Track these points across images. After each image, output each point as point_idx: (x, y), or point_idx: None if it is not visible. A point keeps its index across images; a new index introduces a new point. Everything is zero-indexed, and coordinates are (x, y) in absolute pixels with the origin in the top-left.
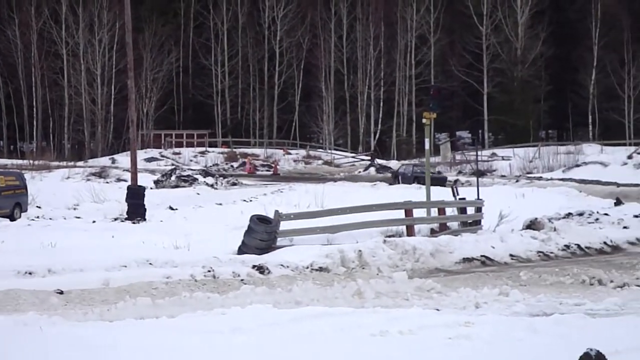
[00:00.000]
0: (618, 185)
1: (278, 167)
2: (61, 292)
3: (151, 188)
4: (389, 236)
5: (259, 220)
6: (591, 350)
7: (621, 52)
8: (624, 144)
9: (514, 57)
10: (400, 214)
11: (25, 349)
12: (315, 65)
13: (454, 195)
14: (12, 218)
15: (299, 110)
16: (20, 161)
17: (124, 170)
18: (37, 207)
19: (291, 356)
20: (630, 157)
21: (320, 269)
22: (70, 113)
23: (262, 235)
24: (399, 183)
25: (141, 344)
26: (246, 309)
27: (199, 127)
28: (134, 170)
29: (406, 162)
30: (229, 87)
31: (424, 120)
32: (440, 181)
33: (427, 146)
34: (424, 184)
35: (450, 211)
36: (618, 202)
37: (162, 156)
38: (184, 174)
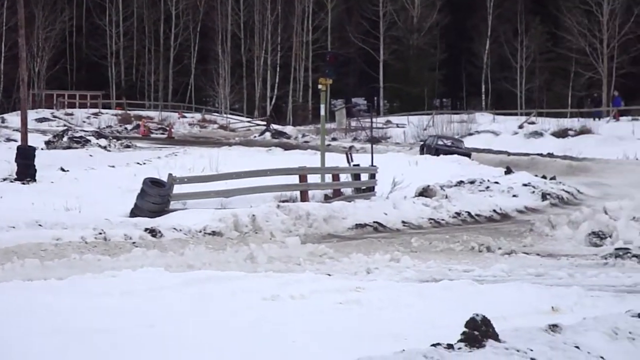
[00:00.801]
0: (509, 154)
1: (173, 130)
2: None
3: (42, 149)
4: (283, 201)
5: (152, 184)
6: (477, 315)
7: (514, 23)
8: (516, 114)
9: (410, 25)
10: (294, 179)
11: None
12: (211, 28)
13: (348, 161)
14: None
15: (194, 74)
16: None
17: (14, 130)
18: None
19: (180, 319)
20: (521, 126)
21: (214, 233)
22: None
23: (155, 198)
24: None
25: (28, 306)
26: (137, 272)
27: (92, 88)
28: (24, 130)
29: (432, 134)
30: (124, 48)
31: (319, 87)
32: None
33: (322, 112)
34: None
35: (344, 177)
36: (508, 171)
37: (54, 117)
38: (77, 135)
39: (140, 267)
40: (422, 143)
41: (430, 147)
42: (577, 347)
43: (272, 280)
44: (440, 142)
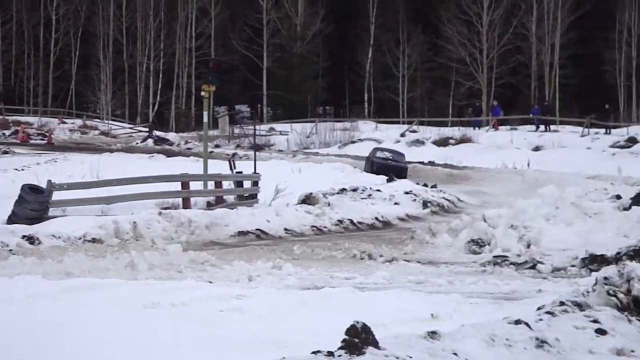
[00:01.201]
0: None
1: (53, 136)
2: None
3: None
4: (165, 208)
5: (30, 190)
6: (358, 322)
7: (397, 32)
8: (398, 122)
9: (293, 32)
10: (177, 186)
11: None
12: (93, 33)
13: (230, 168)
14: None
15: (75, 79)
16: None
17: None
18: None
19: (57, 328)
20: (403, 135)
21: (94, 240)
22: None
23: (33, 205)
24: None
25: None
26: (14, 280)
27: None
28: None
29: (378, 146)
30: (2, 52)
31: (202, 93)
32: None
33: (205, 119)
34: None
35: (226, 184)
36: (390, 179)
37: None
38: None
39: (17, 275)
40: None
41: (368, 160)
42: (455, 353)
43: (153, 288)
44: (378, 155)
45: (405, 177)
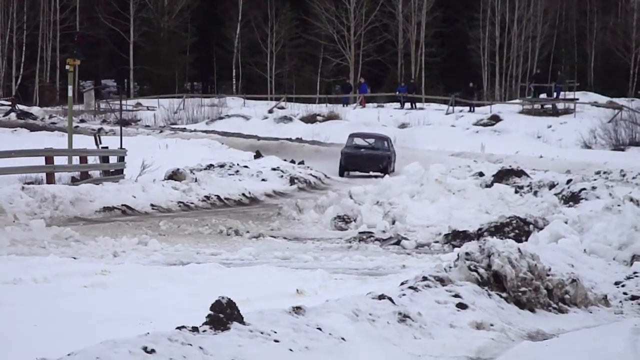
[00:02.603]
0: (259, 138)
1: None
2: None
3: None
4: (28, 183)
5: None
6: (223, 298)
7: (265, 8)
8: (266, 99)
9: (160, 7)
10: (40, 161)
11: None
12: None
13: (96, 143)
14: None
15: None
16: None
17: None
18: None
19: None
20: (270, 111)
21: None
22: None
23: None
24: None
25: None
26: None
27: None
28: None
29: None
30: None
31: (67, 67)
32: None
33: (70, 93)
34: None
35: (92, 160)
36: (258, 155)
37: None
38: None
39: None
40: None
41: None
42: (319, 328)
43: (15, 264)
44: (351, 144)
45: (385, 171)
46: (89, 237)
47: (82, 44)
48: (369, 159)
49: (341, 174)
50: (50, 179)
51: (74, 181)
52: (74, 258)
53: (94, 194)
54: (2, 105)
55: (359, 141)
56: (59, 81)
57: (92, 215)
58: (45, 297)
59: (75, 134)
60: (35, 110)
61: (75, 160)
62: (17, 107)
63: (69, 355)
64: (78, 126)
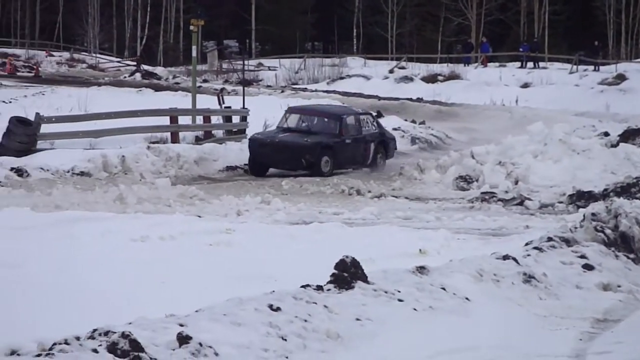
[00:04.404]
0: (379, 98)
1: (40, 69)
2: None
3: None
4: (154, 142)
5: (18, 122)
6: (347, 257)
7: None
8: (387, 59)
9: None
10: (165, 120)
11: None
12: None
13: (219, 103)
14: None
15: (62, 12)
16: None
17: None
18: None
19: (46, 259)
20: (391, 71)
21: (82, 174)
22: None
23: (21, 137)
24: None
25: None
26: (2, 212)
27: None
28: None
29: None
30: None
31: (191, 28)
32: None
33: (194, 54)
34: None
35: (215, 119)
36: (379, 115)
37: None
38: None
39: (5, 207)
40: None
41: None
42: (443, 288)
43: (142, 222)
44: (287, 123)
45: (313, 168)
46: (213, 195)
47: (206, 4)
48: (283, 149)
49: (252, 171)
50: (175, 139)
51: (197, 140)
52: (199, 216)
53: (217, 154)
54: (128, 65)
55: (293, 120)
56: (182, 41)
57: (215, 174)
58: (172, 254)
59: (198, 94)
60: (159, 70)
61: (199, 120)
62: (141, 68)
63: (196, 311)
64: (201, 86)
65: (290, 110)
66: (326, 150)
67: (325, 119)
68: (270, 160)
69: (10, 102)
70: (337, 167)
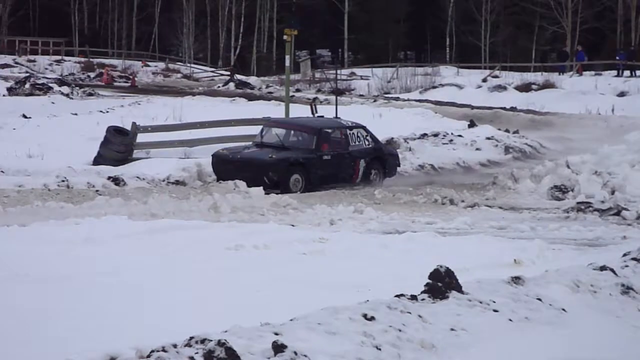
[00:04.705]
0: (472, 107)
1: (136, 79)
2: None
3: (4, 95)
4: None
5: (115, 132)
6: (441, 267)
7: None
8: (480, 67)
9: None
10: (258, 129)
11: None
12: None
13: (312, 112)
14: None
15: (158, 22)
16: None
17: None
18: None
19: (143, 267)
20: (484, 80)
21: (177, 182)
22: None
23: (118, 146)
24: None
25: None
26: (100, 220)
27: (55, 35)
28: None
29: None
30: None
31: (285, 37)
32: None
33: (287, 63)
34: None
35: None
36: (472, 124)
37: (16, 63)
38: (39, 82)
39: (103, 215)
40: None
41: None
42: (539, 299)
43: (236, 230)
44: (263, 138)
45: (278, 186)
46: (306, 204)
47: (299, 14)
48: (246, 166)
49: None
50: None
51: None
52: (292, 225)
53: None
54: (222, 75)
55: (269, 135)
56: (275, 51)
57: None
58: (266, 263)
59: (291, 103)
60: (252, 80)
61: None
62: (235, 77)
63: (291, 320)
64: (294, 95)
65: (268, 124)
66: (296, 168)
67: (302, 133)
68: (233, 178)
69: (107, 111)
70: (313, 185)
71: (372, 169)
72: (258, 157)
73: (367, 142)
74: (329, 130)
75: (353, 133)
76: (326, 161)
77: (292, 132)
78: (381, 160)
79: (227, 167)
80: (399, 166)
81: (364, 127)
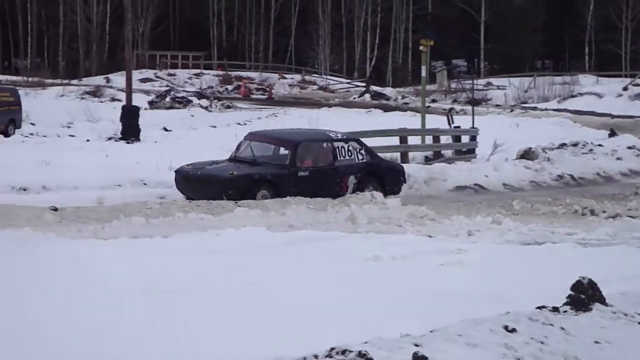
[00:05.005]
0: (612, 116)
1: (273, 91)
2: (55, 209)
3: (145, 108)
4: None
5: None
6: (584, 278)
7: None
8: (620, 76)
9: None
10: (394, 140)
11: (19, 263)
12: None
13: (449, 123)
14: (6, 134)
15: (295, 35)
16: (14, 77)
17: (118, 90)
18: (31, 124)
19: (281, 277)
20: (625, 88)
21: None
22: (65, 30)
23: None
24: None
25: (135, 262)
26: (240, 231)
27: (194, 49)
28: (128, 91)
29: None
30: (226, 9)
31: (421, 48)
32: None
33: (423, 73)
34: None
35: (444, 139)
36: (612, 134)
37: (157, 77)
38: (179, 95)
39: (242, 227)
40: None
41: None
42: None
43: (373, 241)
44: (240, 153)
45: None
46: (443, 215)
47: (434, 24)
48: (205, 183)
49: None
50: (405, 159)
51: (427, 160)
52: (430, 236)
53: (447, 173)
54: (357, 86)
55: (246, 148)
56: (410, 62)
57: (445, 194)
58: (404, 274)
59: (427, 114)
60: (388, 90)
61: (428, 139)
62: (371, 88)
63: (431, 331)
64: (429, 106)
65: (247, 137)
66: (263, 184)
67: (278, 147)
68: (195, 196)
69: (244, 124)
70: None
71: (366, 186)
72: (217, 173)
73: (360, 157)
74: (310, 144)
75: (342, 147)
76: (302, 178)
77: (267, 146)
78: (378, 176)
79: (188, 184)
80: (405, 182)
81: (357, 140)
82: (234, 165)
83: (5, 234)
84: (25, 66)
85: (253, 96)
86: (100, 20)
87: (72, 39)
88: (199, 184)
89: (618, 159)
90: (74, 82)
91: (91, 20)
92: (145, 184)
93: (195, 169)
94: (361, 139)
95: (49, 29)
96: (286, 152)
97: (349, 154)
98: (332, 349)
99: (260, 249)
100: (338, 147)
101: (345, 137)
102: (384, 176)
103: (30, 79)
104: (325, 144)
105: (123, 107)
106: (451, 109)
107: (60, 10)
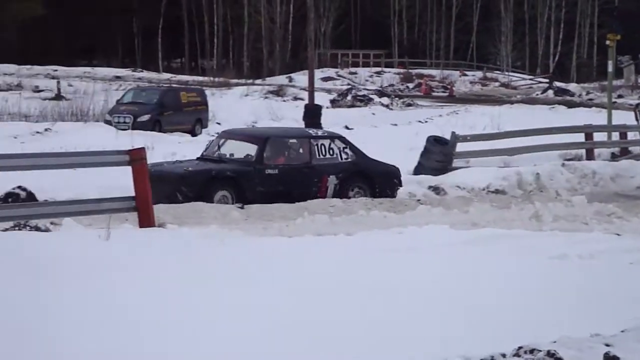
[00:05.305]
0: None
1: (454, 88)
2: (242, 207)
3: (327, 107)
4: (568, 159)
5: (435, 141)
6: None
7: None
8: None
9: None
10: (579, 137)
11: (208, 259)
12: None
13: (636, 119)
14: (193, 133)
15: (477, 31)
16: (200, 78)
17: (300, 89)
18: (217, 123)
19: (466, 275)
20: None
21: (497, 191)
22: (250, 31)
23: (438, 156)
24: None
25: (320, 258)
26: (423, 229)
27: (375, 47)
28: (311, 90)
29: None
30: (407, 7)
31: (607, 42)
32: None
33: (609, 69)
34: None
35: (632, 135)
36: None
37: (339, 76)
38: (360, 93)
39: (425, 224)
40: None
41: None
42: None
43: (559, 239)
44: (212, 150)
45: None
46: (632, 213)
47: (621, 18)
48: (159, 181)
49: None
50: (590, 155)
51: (613, 157)
52: (618, 235)
53: (634, 170)
54: (540, 82)
55: (212, 148)
56: (595, 57)
57: (632, 191)
58: (592, 274)
59: (613, 110)
60: (572, 86)
61: (615, 136)
62: (554, 84)
63: (622, 331)
64: (615, 102)
65: (220, 135)
66: (222, 183)
67: (244, 144)
68: (154, 196)
69: (425, 121)
70: (254, 203)
71: (350, 187)
72: (171, 170)
73: (343, 156)
74: (281, 140)
75: (322, 144)
76: (271, 176)
77: (236, 142)
78: (366, 177)
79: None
80: (401, 185)
81: (340, 137)
82: (196, 162)
83: (194, 231)
84: (212, 67)
85: (434, 94)
86: (283, 20)
87: (256, 39)
88: (153, 182)
89: None
90: (258, 81)
91: (274, 20)
92: None
93: (153, 166)
94: (346, 137)
95: (234, 30)
96: (251, 148)
97: (330, 152)
98: (520, 347)
99: (443, 247)
100: (317, 144)
101: (326, 133)
102: (373, 178)
103: (216, 79)
104: (299, 141)
105: (305, 106)
106: (638, 104)
107: (245, 12)
